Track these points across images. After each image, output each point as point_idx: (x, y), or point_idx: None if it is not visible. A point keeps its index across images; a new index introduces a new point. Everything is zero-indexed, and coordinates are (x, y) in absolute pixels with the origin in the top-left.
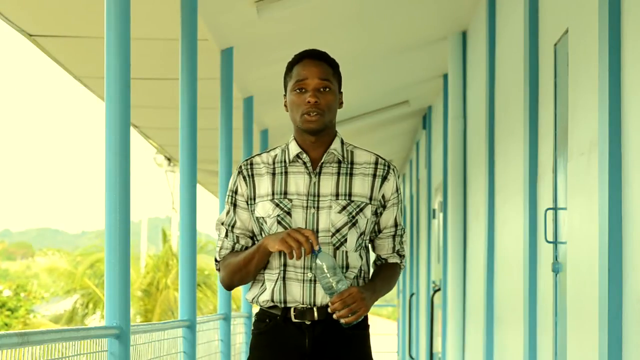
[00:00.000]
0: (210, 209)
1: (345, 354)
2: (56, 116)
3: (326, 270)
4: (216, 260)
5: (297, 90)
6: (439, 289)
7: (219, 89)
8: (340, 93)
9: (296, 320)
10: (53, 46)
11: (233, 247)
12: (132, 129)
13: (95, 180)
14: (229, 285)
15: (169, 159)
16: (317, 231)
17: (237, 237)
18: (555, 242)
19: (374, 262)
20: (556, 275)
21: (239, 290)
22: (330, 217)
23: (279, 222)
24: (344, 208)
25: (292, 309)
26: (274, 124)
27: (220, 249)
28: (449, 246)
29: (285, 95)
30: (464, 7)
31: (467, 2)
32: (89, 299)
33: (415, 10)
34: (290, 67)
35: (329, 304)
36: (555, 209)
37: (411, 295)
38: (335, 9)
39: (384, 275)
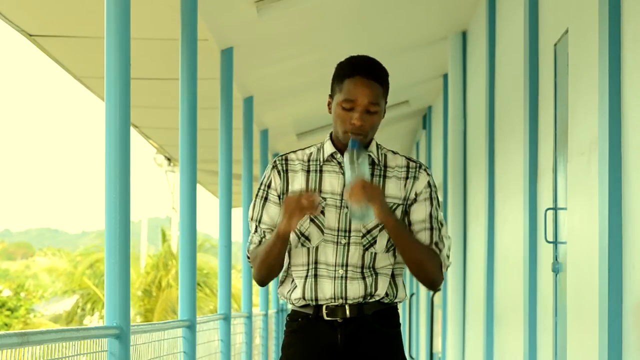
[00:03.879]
0: (210, 209)
1: (377, 353)
2: (56, 116)
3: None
4: (248, 258)
5: (344, 107)
6: (439, 289)
7: (219, 89)
8: (385, 103)
9: (328, 318)
10: (53, 46)
11: (260, 242)
12: (132, 129)
13: (95, 180)
14: (259, 281)
15: (169, 159)
16: (349, 231)
17: (264, 232)
18: (555, 242)
19: None
20: (556, 275)
21: (238, 290)
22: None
23: (311, 220)
24: None
25: (323, 307)
26: (274, 124)
27: (250, 244)
28: None
29: (331, 96)
30: (464, 7)
31: (467, 2)
32: (88, 299)
33: (415, 11)
34: (342, 76)
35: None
36: (555, 209)
37: (411, 295)
38: (335, 9)
39: (418, 239)
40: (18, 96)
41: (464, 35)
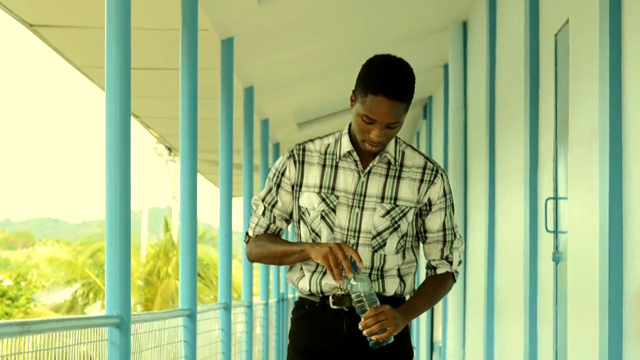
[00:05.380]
0: (210, 198)
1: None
2: (57, 106)
3: (362, 295)
4: (247, 234)
5: (365, 119)
6: None
7: (220, 79)
8: (407, 111)
9: (334, 307)
10: (53, 36)
11: (268, 227)
12: (132, 118)
13: (95, 170)
14: (254, 261)
15: (169, 149)
16: (359, 231)
17: (275, 217)
18: (555, 232)
19: (426, 267)
20: (557, 264)
21: (239, 279)
22: (373, 220)
23: (322, 217)
24: (387, 212)
25: (330, 296)
26: (274, 114)
27: (256, 226)
28: None
29: (354, 93)
30: None
31: None
32: (89, 288)
33: (415, 1)
34: (366, 88)
35: (361, 320)
36: (555, 198)
37: None
38: None
39: (426, 291)
40: (19, 87)
41: (465, 25)
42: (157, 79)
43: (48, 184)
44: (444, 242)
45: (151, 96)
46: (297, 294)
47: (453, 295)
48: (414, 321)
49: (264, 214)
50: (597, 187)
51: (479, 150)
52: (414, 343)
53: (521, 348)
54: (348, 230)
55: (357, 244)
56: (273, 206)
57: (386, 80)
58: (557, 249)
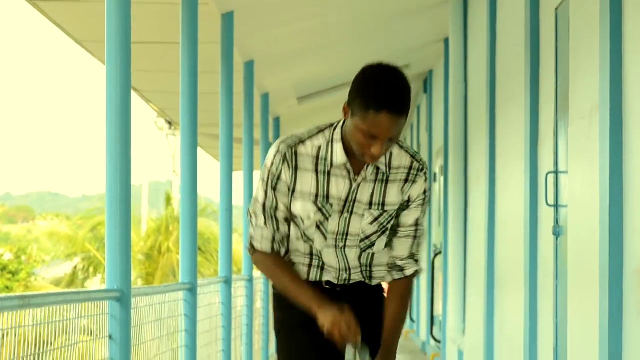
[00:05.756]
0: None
1: (367, 295)
2: (57, 80)
3: None
4: (252, 247)
5: (366, 135)
6: (439, 253)
7: (220, 53)
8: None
9: (327, 287)
10: (54, 10)
11: (274, 238)
12: (132, 92)
13: (96, 144)
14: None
15: (169, 123)
16: (347, 234)
17: (278, 223)
18: (556, 206)
19: (389, 267)
20: (557, 238)
21: (240, 255)
22: (361, 225)
23: (317, 227)
24: (375, 219)
25: (324, 282)
26: (274, 88)
27: (262, 239)
28: (449, 210)
29: (349, 104)
30: None
31: None
32: (89, 262)
33: None
34: (366, 104)
35: None
36: (556, 172)
37: None
38: None
39: (396, 319)
40: (19, 61)
41: None
42: (157, 53)
43: (48, 158)
44: (415, 237)
45: (151, 70)
46: None
47: (453, 269)
48: (414, 294)
49: (266, 223)
50: (598, 161)
51: (480, 124)
52: (414, 317)
53: (521, 321)
54: (337, 234)
55: (345, 246)
56: (275, 210)
57: (388, 96)
58: (557, 223)
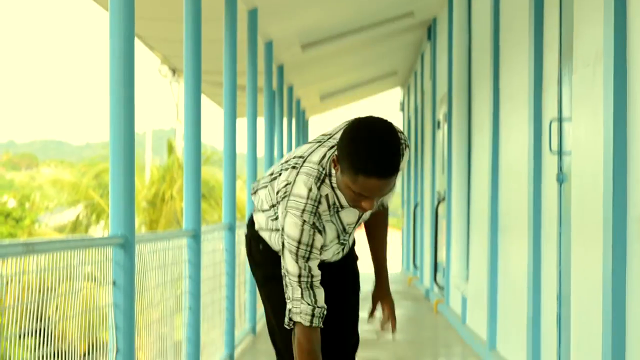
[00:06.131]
0: (215, 120)
1: (348, 260)
2: (60, 27)
3: None
4: (290, 319)
5: (354, 192)
6: (443, 199)
7: (223, 1)
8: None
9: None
10: None
11: (313, 314)
12: (136, 39)
13: (99, 91)
14: None
15: (173, 70)
16: (345, 230)
17: (315, 290)
18: (559, 153)
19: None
20: (561, 185)
21: (243, 201)
22: (356, 216)
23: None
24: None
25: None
26: (278, 36)
27: (301, 312)
28: (453, 157)
29: (338, 159)
30: None
31: None
32: (92, 209)
33: None
34: (356, 168)
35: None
36: (560, 120)
37: (415, 206)
38: None
39: (382, 244)
40: (21, 7)
41: None
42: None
43: (52, 106)
44: (389, 195)
45: (155, 17)
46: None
47: (457, 216)
48: (418, 241)
49: (302, 295)
50: (602, 108)
51: (484, 71)
52: (417, 263)
53: (525, 268)
54: (339, 237)
55: (346, 238)
56: (310, 272)
57: (377, 162)
58: (561, 170)
